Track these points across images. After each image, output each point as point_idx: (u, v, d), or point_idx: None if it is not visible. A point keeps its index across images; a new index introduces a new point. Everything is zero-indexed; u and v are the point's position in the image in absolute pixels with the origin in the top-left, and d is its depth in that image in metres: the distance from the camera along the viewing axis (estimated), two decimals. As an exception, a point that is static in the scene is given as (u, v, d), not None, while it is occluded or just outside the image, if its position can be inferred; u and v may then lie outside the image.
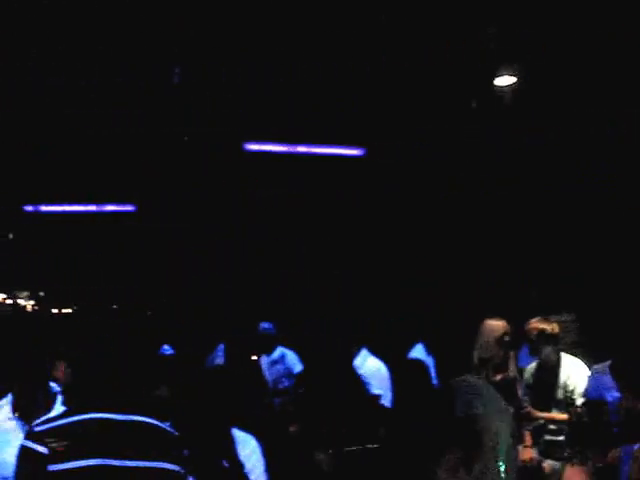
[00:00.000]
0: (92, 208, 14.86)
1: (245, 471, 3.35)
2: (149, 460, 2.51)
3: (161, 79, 9.52)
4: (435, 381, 7.49)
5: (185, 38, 8.68)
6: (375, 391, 6.08)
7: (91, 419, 2.55)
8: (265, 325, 9.44)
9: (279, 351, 9.23)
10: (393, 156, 11.48)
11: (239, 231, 14.61)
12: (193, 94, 9.93)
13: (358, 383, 3.97)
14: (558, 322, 6.83)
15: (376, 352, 6.54)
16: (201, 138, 11.07)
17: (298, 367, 8.83)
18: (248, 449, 3.63)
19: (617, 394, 4.98)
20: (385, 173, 12.00)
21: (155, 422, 2.60)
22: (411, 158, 11.44)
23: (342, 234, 14.05)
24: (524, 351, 7.41)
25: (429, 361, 7.79)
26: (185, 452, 2.62)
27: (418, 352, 8.14)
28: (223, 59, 9.20)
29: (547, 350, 6.53)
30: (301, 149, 11.03)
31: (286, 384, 8.86)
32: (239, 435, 3.63)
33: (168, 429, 2.63)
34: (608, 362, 5.19)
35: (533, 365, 6.80)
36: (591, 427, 4.91)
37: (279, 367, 9.08)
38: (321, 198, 13.13)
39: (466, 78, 9.41)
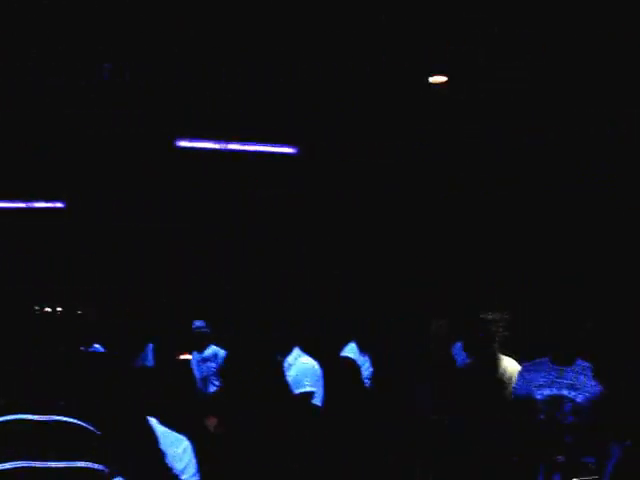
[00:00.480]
0: (21, 205, 14.61)
1: (166, 460, 3.28)
2: (72, 460, 2.45)
3: (91, 76, 9.37)
4: (368, 379, 7.54)
5: (115, 35, 8.55)
6: (308, 389, 6.07)
7: (11, 421, 2.47)
8: (198, 323, 9.36)
9: (212, 349, 9.14)
10: (327, 154, 11.50)
11: (168, 229, 14.51)
12: (124, 91, 9.79)
13: (284, 382, 3.92)
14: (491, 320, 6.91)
15: (309, 350, 6.50)
16: (132, 135, 10.93)
17: None
18: (180, 448, 3.57)
19: (547, 392, 5.04)
20: (320, 171, 12.01)
21: (77, 421, 2.54)
22: (346, 156, 11.46)
23: (279, 233, 14.04)
24: (458, 348, 7.48)
25: (362, 360, 7.83)
26: (108, 451, 2.56)
27: (351, 350, 8.15)
28: (155, 56, 9.10)
29: (484, 350, 6.59)
30: (233, 146, 10.95)
31: (217, 383, 8.77)
32: (170, 434, 3.57)
33: (91, 428, 2.57)
34: (538, 360, 5.24)
35: (470, 364, 6.86)
36: (519, 424, 4.95)
37: (210, 365, 8.98)
38: (252, 196, 13.08)
39: (399, 77, 9.45)
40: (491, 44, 8.53)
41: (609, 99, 9.07)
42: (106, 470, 2.51)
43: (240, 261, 14.47)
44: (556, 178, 10.84)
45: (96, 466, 2.49)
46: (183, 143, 10.89)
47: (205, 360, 9.07)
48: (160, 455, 3.23)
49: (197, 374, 9.00)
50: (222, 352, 9.07)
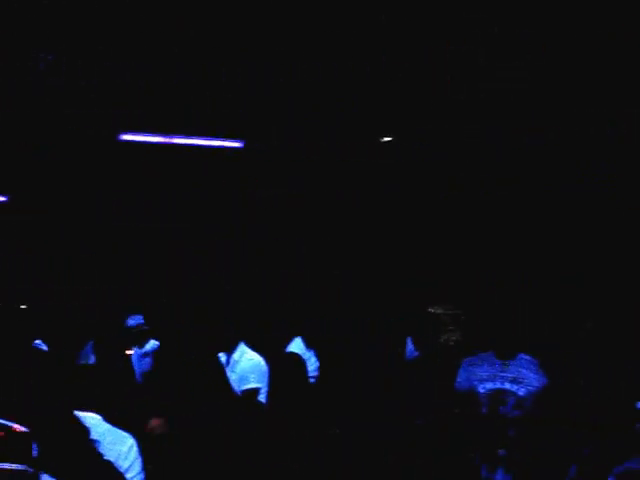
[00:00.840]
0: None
1: (103, 457, 3.25)
2: None
3: (29, 65, 9.22)
4: (314, 374, 7.55)
5: (57, 25, 8.41)
6: (254, 385, 6.08)
7: None
8: (132, 321, 9.22)
9: (151, 344, 9.00)
10: (272, 148, 11.47)
11: (110, 225, 14.39)
12: (66, 81, 9.65)
13: (225, 379, 3.91)
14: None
15: (255, 346, 6.49)
16: (74, 126, 10.78)
17: None
18: (125, 446, 3.55)
19: (489, 385, 5.11)
20: (263, 165, 11.98)
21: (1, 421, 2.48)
22: (288, 151, 11.46)
23: (224, 229, 13.99)
24: (407, 341, 7.54)
25: (308, 355, 7.85)
26: (34, 449, 2.50)
27: (296, 346, 8.16)
28: (96, 45, 8.97)
29: (431, 343, 6.66)
30: (178, 140, 10.85)
31: None
32: (115, 432, 3.55)
33: (14, 426, 2.51)
34: (481, 354, 5.30)
35: (417, 357, 6.93)
36: (462, 417, 5.00)
37: (149, 360, 8.82)
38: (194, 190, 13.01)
39: (344, 72, 9.44)
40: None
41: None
42: (29, 470, 2.46)
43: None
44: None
45: (17, 467, 2.43)
46: (126, 137, 10.75)
47: (145, 355, 8.94)
48: (94, 452, 3.18)
49: (137, 369, 8.86)
50: None
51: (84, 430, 3.18)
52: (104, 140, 10.96)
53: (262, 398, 6.02)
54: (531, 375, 5.08)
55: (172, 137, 10.71)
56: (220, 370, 3.83)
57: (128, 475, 3.47)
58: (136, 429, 3.75)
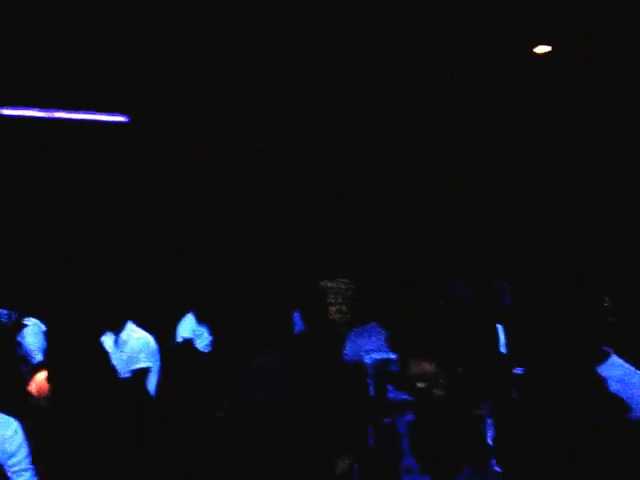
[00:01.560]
0: None
1: None
2: None
3: None
4: (207, 349, 7.54)
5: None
6: (143, 364, 6.05)
7: None
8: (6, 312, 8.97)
9: (22, 333, 8.75)
10: (159, 124, 11.32)
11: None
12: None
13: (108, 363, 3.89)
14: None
15: (143, 325, 6.43)
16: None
17: (38, 357, 8.13)
18: (9, 431, 3.53)
19: (376, 356, 5.21)
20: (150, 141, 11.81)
21: None
22: (177, 126, 11.33)
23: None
24: (297, 317, 7.59)
25: (200, 330, 7.82)
26: None
27: (188, 322, 8.12)
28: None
29: (316, 318, 6.72)
30: (59, 114, 10.60)
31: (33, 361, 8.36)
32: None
33: None
34: (367, 325, 5.41)
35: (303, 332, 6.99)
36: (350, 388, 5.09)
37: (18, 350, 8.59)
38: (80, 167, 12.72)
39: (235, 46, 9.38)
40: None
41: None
42: None
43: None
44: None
45: None
46: (6, 111, 10.48)
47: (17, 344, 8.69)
48: None
49: (18, 352, 8.61)
50: (30, 337, 8.61)
51: None
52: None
53: (154, 376, 6.01)
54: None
55: (53, 111, 10.47)
56: (103, 354, 3.82)
57: (14, 460, 3.46)
58: (23, 413, 3.72)
